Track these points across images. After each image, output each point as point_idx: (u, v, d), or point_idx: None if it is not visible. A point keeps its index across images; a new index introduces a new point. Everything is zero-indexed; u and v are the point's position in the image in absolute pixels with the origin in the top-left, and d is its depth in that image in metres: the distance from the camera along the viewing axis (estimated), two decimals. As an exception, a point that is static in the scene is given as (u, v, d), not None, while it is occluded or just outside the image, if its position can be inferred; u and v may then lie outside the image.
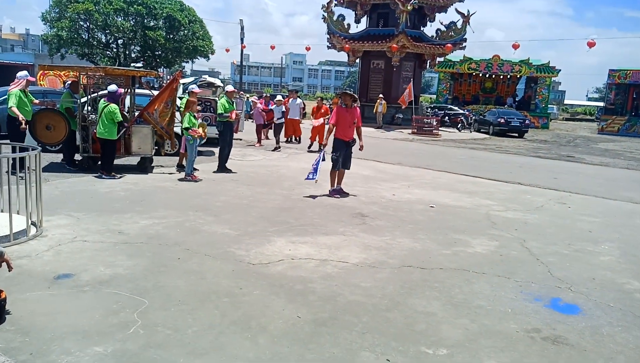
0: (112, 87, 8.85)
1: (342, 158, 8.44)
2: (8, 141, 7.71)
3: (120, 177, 8.85)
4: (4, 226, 5.12)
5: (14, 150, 7.21)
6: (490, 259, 5.53)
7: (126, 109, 10.15)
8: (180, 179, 9.03)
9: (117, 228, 5.87)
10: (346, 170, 8.70)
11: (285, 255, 5.26)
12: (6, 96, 8.99)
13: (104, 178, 8.70)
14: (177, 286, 4.31)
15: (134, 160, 10.00)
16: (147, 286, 4.26)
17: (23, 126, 8.55)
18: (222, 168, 10.15)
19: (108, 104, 8.68)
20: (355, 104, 8.55)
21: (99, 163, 9.10)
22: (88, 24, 35.65)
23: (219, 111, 10.11)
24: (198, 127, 9.33)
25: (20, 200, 5.53)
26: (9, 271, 3.67)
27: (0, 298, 3.51)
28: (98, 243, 5.33)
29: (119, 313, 3.75)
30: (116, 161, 9.61)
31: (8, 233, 5.06)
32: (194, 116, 9.30)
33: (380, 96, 24.42)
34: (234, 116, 10.26)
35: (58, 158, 10.30)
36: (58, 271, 4.46)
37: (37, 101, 9.53)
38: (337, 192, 8.49)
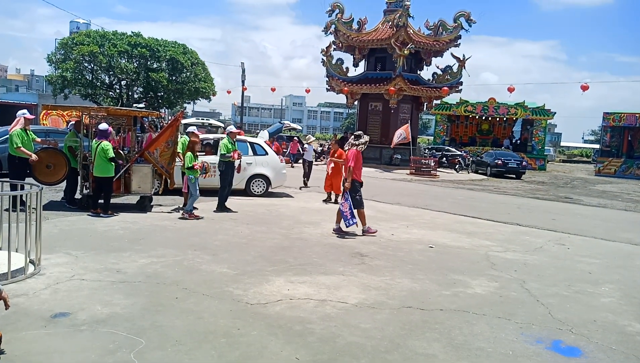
0: (103, 126, 8.98)
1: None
2: (8, 179, 7.76)
3: (112, 215, 8.87)
4: (3, 264, 5.10)
5: (14, 188, 7.27)
6: (490, 300, 5.50)
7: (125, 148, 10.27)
8: (180, 218, 9.04)
9: (115, 267, 5.85)
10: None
11: (284, 295, 5.23)
12: (8, 136, 9.12)
13: (102, 217, 8.71)
14: (175, 326, 4.27)
15: (133, 199, 10.03)
16: (144, 326, 4.21)
17: (33, 158, 8.77)
18: (221, 207, 10.18)
19: (100, 142, 8.80)
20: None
21: (100, 201, 9.11)
22: (92, 65, 36.43)
23: (222, 152, 10.26)
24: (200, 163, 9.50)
25: (19, 238, 5.53)
26: (6, 309, 3.64)
27: (-4, 337, 3.47)
28: (96, 281, 5.30)
29: (116, 352, 3.70)
30: (115, 200, 9.65)
31: (6, 271, 5.04)
32: (196, 156, 9.43)
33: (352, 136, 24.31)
34: (236, 156, 10.40)
35: (58, 196, 10.34)
36: (55, 310, 4.43)
37: (39, 140, 9.66)
38: (340, 231, 8.56)
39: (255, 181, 12.64)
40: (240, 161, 11.02)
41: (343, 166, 10.15)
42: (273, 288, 5.43)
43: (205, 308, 4.71)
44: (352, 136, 9.08)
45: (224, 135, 11.35)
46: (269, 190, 12.87)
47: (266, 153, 12.93)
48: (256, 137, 11.67)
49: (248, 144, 12.98)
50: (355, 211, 8.58)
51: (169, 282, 5.41)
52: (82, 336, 3.97)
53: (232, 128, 11.26)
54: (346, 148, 8.91)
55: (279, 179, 13.07)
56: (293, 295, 5.24)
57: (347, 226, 8.59)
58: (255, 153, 12.72)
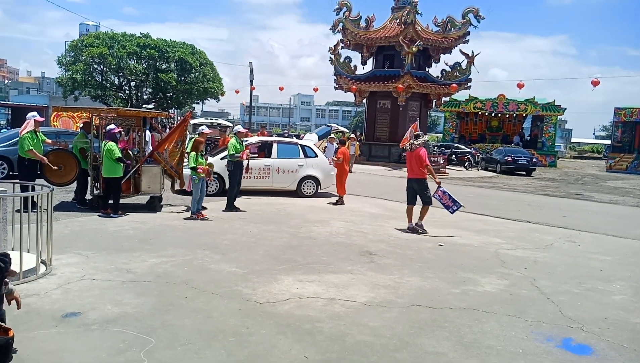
0: (110, 126, 9.07)
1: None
2: (19, 181, 7.85)
3: (122, 215, 8.93)
4: (14, 264, 5.12)
5: (25, 189, 7.35)
6: (500, 298, 5.47)
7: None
8: (187, 219, 9.08)
9: (126, 267, 5.89)
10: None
11: (293, 294, 5.24)
12: (18, 139, 9.23)
13: (112, 217, 8.78)
14: (184, 325, 4.30)
15: (143, 199, 10.09)
16: (154, 325, 4.24)
17: (45, 160, 8.88)
18: (230, 207, 10.22)
19: (107, 143, 8.87)
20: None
21: (110, 202, 9.18)
22: (102, 67, 36.72)
23: (230, 152, 10.31)
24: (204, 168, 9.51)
25: (30, 239, 5.59)
26: (18, 309, 3.68)
27: (8, 336, 3.51)
28: (106, 281, 5.35)
29: (126, 352, 3.73)
30: (125, 200, 9.72)
31: (18, 272, 5.09)
32: (201, 155, 9.46)
33: (352, 136, 23.95)
34: (244, 156, 10.45)
35: (69, 197, 10.44)
36: (66, 310, 4.47)
37: (49, 141, 9.75)
38: (414, 230, 8.95)
39: (306, 182, 12.93)
40: (249, 161, 11.03)
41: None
42: (282, 287, 5.44)
43: (214, 307, 4.74)
44: (413, 137, 9.35)
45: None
46: (319, 191, 13.12)
47: (316, 155, 13.19)
48: (300, 138, 11.95)
49: (299, 147, 13.27)
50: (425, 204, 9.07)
51: (179, 282, 5.45)
52: (93, 335, 4.00)
53: (239, 128, 11.31)
54: (416, 150, 9.00)
55: (328, 180, 13.31)
56: (302, 294, 5.25)
57: (452, 213, 9.33)
58: (306, 156, 12.98)
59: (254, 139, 14.35)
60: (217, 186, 12.11)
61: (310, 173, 12.89)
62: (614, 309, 5.30)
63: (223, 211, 10.06)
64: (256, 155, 12.59)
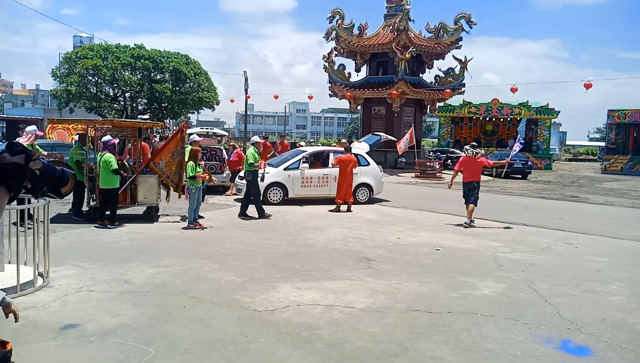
0: (106, 138, 9.09)
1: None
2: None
3: (119, 226, 8.91)
4: (12, 277, 5.15)
5: (21, 201, 7.33)
6: (498, 301, 5.48)
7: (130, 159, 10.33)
8: (184, 228, 9.08)
9: (123, 277, 5.88)
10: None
11: (291, 301, 5.24)
12: None
13: (109, 228, 8.76)
14: (183, 334, 4.29)
15: (140, 210, 10.08)
16: (153, 335, 4.23)
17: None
18: (261, 213, 10.44)
19: (104, 154, 8.88)
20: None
21: (107, 213, 9.15)
22: (96, 78, 36.68)
23: (249, 161, 10.45)
24: (203, 174, 9.52)
25: (27, 251, 5.58)
26: (16, 322, 3.66)
27: (6, 349, 3.49)
28: (104, 292, 5.33)
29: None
30: (122, 211, 9.70)
31: (15, 284, 5.08)
32: (198, 165, 9.47)
33: (344, 141, 23.82)
34: (262, 165, 10.55)
35: (65, 208, 10.41)
36: (64, 322, 4.46)
37: (45, 153, 9.74)
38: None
39: (360, 189, 13.28)
40: (264, 170, 11.17)
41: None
42: (280, 295, 5.44)
43: (213, 316, 4.73)
44: (470, 146, 10.54)
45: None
46: (372, 197, 13.49)
47: (368, 164, 13.58)
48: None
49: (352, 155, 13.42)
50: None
51: (177, 291, 5.44)
52: (92, 347, 3.99)
53: (257, 138, 11.50)
54: (479, 157, 10.26)
55: (379, 187, 13.76)
56: (300, 301, 5.25)
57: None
58: (359, 164, 13.21)
59: (310, 149, 14.74)
60: (280, 195, 12.49)
61: (364, 180, 13.29)
62: (612, 310, 5.32)
63: (257, 218, 10.30)
64: (307, 165, 12.86)
